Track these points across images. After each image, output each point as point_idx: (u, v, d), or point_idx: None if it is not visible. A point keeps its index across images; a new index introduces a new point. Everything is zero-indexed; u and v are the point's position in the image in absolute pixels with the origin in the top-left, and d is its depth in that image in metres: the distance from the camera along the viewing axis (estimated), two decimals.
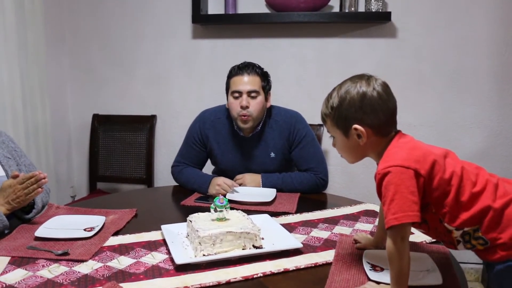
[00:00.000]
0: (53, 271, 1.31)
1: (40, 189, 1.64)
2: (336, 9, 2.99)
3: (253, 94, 2.13)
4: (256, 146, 2.25)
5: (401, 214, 1.10)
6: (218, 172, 2.38)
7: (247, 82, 2.13)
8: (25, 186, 1.62)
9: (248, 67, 2.16)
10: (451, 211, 1.16)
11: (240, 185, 2.14)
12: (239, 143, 2.26)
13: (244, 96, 2.12)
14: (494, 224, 1.14)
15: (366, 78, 1.24)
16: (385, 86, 1.25)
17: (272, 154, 2.24)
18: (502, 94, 2.93)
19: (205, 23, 3.11)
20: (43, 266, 1.34)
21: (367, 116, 1.21)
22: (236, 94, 2.14)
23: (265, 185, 2.14)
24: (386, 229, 1.14)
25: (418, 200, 1.12)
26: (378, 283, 1.21)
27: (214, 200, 1.58)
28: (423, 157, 1.15)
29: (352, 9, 2.89)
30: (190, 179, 2.20)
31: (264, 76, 2.21)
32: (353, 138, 1.24)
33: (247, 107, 2.11)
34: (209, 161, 2.41)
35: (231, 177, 2.21)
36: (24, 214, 1.73)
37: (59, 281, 1.25)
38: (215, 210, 1.56)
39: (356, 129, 1.22)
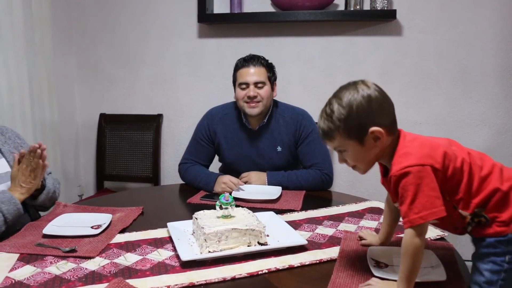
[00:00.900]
0: (61, 267, 1.33)
1: (41, 161, 1.69)
2: (342, 7, 2.99)
3: (259, 85, 2.19)
4: (263, 138, 2.28)
5: (425, 212, 1.11)
6: (225, 167, 2.40)
7: (253, 73, 2.19)
8: (28, 163, 1.67)
9: (253, 59, 2.23)
10: (464, 197, 1.19)
11: (245, 183, 2.15)
12: (247, 135, 2.30)
13: (251, 87, 2.18)
14: (499, 204, 1.18)
15: (361, 82, 1.23)
16: (378, 86, 1.24)
17: (279, 148, 2.27)
18: (509, 91, 2.92)
19: (211, 22, 3.13)
20: (51, 262, 1.36)
21: (379, 116, 1.20)
22: (243, 86, 2.20)
23: (270, 182, 2.15)
24: (406, 228, 1.14)
25: (439, 194, 1.13)
26: (382, 279, 1.22)
27: (220, 197, 1.59)
28: (434, 151, 1.16)
29: (358, 7, 2.90)
30: (197, 177, 2.22)
31: (270, 67, 2.27)
32: (369, 143, 1.21)
33: (254, 97, 2.18)
34: (216, 159, 2.43)
35: (238, 171, 2.24)
36: (34, 200, 1.78)
37: (67, 278, 1.27)
38: (221, 208, 1.57)
39: (373, 132, 1.19)
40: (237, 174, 2.22)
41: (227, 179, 2.10)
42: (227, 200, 1.57)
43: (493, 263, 1.17)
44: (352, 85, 1.23)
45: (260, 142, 2.29)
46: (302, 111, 2.33)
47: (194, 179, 2.23)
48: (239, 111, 2.30)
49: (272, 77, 2.27)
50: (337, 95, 1.23)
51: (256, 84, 2.18)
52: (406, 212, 1.14)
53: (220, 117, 2.34)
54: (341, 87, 1.25)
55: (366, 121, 1.19)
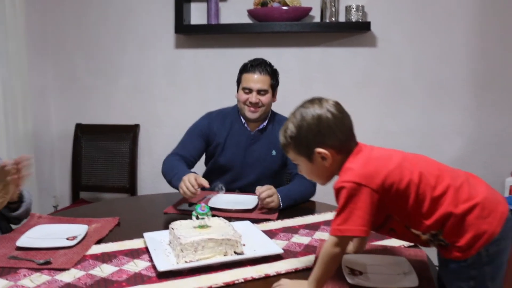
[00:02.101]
0: (35, 280, 1.31)
1: (18, 176, 1.64)
2: (317, 19, 3.03)
3: (262, 92, 2.26)
4: (260, 142, 2.33)
5: (344, 226, 1.16)
6: (215, 168, 2.38)
7: (257, 80, 2.25)
8: (1, 178, 1.61)
9: (260, 66, 2.28)
10: (414, 218, 1.20)
11: (270, 196, 1.99)
12: (245, 138, 2.33)
13: (254, 93, 2.24)
14: (455, 229, 1.16)
15: (317, 101, 1.27)
16: (337, 105, 1.28)
17: (274, 152, 2.31)
18: (479, 101, 2.99)
19: (188, 33, 3.14)
20: (24, 275, 1.34)
21: (327, 137, 1.24)
22: (247, 90, 2.26)
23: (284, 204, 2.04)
24: (330, 234, 1.19)
25: (366, 215, 1.15)
26: (357, 287, 1.24)
27: (196, 207, 1.60)
28: (375, 172, 1.18)
29: (333, 19, 2.94)
30: (170, 170, 2.14)
31: (274, 74, 2.32)
32: (317, 161, 1.26)
33: (256, 103, 2.24)
34: (200, 163, 2.42)
35: (230, 172, 2.30)
36: (12, 212, 1.75)
37: None
38: (197, 218, 1.58)
39: (319, 152, 1.24)
40: (229, 176, 2.28)
41: (187, 178, 1.93)
42: (203, 210, 1.58)
43: None
44: (310, 103, 1.27)
45: (256, 145, 2.33)
46: None
47: (168, 171, 2.15)
48: (239, 114, 2.35)
49: (275, 84, 2.32)
50: (295, 112, 1.29)
51: (259, 91, 2.24)
52: (332, 220, 1.19)
53: (221, 118, 2.38)
54: (304, 102, 1.30)
55: (313, 142, 1.24)
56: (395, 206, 1.19)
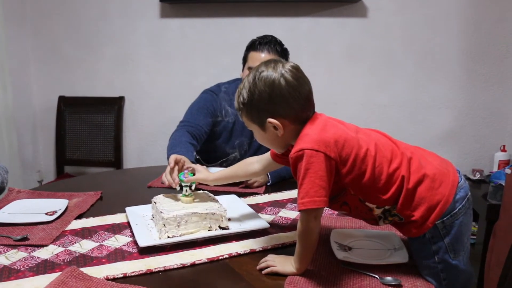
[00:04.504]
0: (11, 257, 1.26)
1: None
2: None
3: None
4: None
5: (307, 199, 1.10)
6: (215, 151, 2.26)
7: (264, 59, 2.06)
8: None
9: (269, 44, 2.08)
10: (370, 191, 1.15)
11: (253, 183, 1.92)
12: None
13: None
14: (408, 202, 1.14)
15: (273, 64, 1.17)
16: (294, 69, 1.17)
17: None
18: (470, 75, 2.96)
19: (173, 1, 3.04)
20: (0, 252, 1.29)
21: (279, 107, 1.15)
22: None
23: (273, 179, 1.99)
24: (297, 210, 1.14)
25: (326, 184, 1.10)
26: (346, 262, 1.20)
27: (179, 175, 1.55)
28: (333, 139, 1.12)
29: None
30: (169, 148, 1.94)
31: (283, 54, 2.14)
32: (270, 130, 1.19)
33: None
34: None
35: (231, 157, 2.21)
36: None
37: (16, 268, 1.20)
38: (181, 187, 1.53)
39: (270, 122, 1.17)
40: (228, 161, 2.20)
41: (173, 159, 1.70)
42: (186, 182, 1.52)
43: (428, 268, 1.16)
44: (265, 66, 1.18)
45: None
46: None
47: (170, 149, 1.92)
48: None
49: None
50: (249, 75, 1.21)
51: None
52: (298, 195, 1.13)
53: (231, 94, 2.21)
54: (259, 64, 1.21)
55: (264, 110, 1.17)
56: (351, 178, 1.14)
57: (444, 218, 1.13)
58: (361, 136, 1.18)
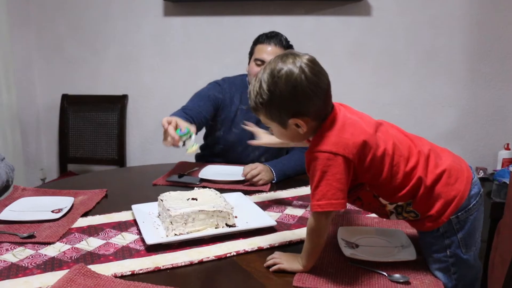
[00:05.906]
0: (18, 254, 1.26)
1: None
2: None
3: None
4: None
5: (324, 201, 1.10)
6: (218, 143, 2.27)
7: (271, 52, 2.10)
8: None
9: (275, 37, 2.13)
10: (386, 189, 1.16)
11: (255, 176, 1.92)
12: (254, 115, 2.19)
13: None
14: (425, 199, 1.15)
15: (291, 60, 1.11)
16: (312, 64, 1.12)
17: None
18: (474, 74, 2.95)
19: (177, 0, 3.04)
20: (7, 250, 1.29)
21: (302, 105, 1.12)
22: (259, 62, 2.12)
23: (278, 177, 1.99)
24: (311, 211, 1.14)
25: (344, 187, 1.10)
26: (353, 259, 1.20)
27: (176, 131, 1.58)
28: (352, 140, 1.10)
29: None
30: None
31: (289, 48, 2.15)
32: (291, 128, 1.16)
33: None
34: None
35: (234, 150, 2.21)
36: None
37: (24, 265, 1.20)
38: (184, 144, 1.56)
39: (293, 121, 1.14)
40: (232, 155, 2.21)
41: (165, 120, 1.69)
42: (183, 132, 1.53)
43: (439, 262, 1.17)
44: (284, 61, 1.11)
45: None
46: None
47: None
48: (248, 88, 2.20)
49: None
50: (266, 71, 1.13)
51: None
52: (310, 196, 1.14)
53: (237, 86, 2.25)
54: (275, 59, 1.14)
55: (286, 111, 1.13)
56: (369, 176, 1.14)
57: (459, 214, 1.14)
58: (379, 134, 1.16)
